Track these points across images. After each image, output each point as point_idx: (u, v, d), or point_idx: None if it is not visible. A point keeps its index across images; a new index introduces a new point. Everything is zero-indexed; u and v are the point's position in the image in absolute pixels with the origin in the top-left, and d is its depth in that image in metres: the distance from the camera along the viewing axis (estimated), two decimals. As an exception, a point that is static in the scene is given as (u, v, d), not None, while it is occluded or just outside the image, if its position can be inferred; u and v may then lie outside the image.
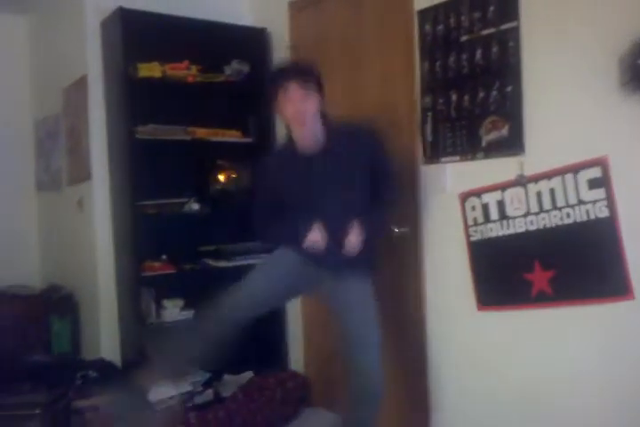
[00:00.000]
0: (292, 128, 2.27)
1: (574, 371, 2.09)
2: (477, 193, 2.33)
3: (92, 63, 3.22)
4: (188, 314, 3.24)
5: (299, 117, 2.19)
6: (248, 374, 3.36)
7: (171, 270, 3.16)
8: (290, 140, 2.33)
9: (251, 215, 2.45)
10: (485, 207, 2.31)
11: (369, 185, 2.31)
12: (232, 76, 3.31)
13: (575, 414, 2.09)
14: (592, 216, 2.00)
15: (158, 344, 2.46)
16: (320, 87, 2.24)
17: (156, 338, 2.60)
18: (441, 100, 2.44)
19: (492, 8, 2.23)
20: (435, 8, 2.43)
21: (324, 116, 2.27)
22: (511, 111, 2.19)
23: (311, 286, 2.46)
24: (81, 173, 3.40)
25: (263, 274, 2.41)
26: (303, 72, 2.23)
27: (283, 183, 2.32)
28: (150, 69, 3.06)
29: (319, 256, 2.26)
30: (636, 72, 1.84)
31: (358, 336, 2.30)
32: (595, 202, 1.99)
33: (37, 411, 2.52)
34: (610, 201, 1.95)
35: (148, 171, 3.10)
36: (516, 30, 2.16)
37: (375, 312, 2.33)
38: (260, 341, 3.44)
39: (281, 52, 3.29)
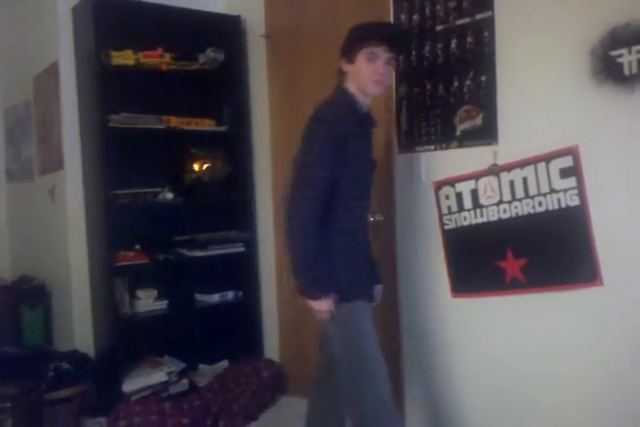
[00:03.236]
0: (362, 88, 1.99)
1: (547, 355, 2.13)
2: (451, 182, 2.35)
3: (64, 50, 3.15)
4: (162, 304, 3.22)
5: (384, 78, 1.98)
6: (223, 364, 3.37)
7: (144, 260, 3.13)
8: (350, 99, 2.00)
9: (295, 218, 1.88)
10: (459, 196, 2.33)
11: None
12: (206, 64, 3.28)
13: (547, 395, 2.14)
14: (563, 205, 2.03)
15: None
16: None
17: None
18: (416, 90, 2.45)
19: (466, -2, 2.24)
20: (410, -3, 2.43)
21: None
22: (485, 100, 2.21)
23: None
24: (53, 163, 3.34)
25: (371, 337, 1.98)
26: (405, 39, 2.28)
27: (355, 160, 1.93)
28: (123, 57, 3.01)
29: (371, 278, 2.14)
30: (607, 63, 1.87)
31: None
32: (566, 190, 2.02)
33: (8, 404, 2.48)
34: (580, 190, 1.98)
35: (122, 160, 3.06)
36: (490, 20, 2.17)
37: None
38: (235, 330, 3.45)
39: (256, 40, 3.27)
